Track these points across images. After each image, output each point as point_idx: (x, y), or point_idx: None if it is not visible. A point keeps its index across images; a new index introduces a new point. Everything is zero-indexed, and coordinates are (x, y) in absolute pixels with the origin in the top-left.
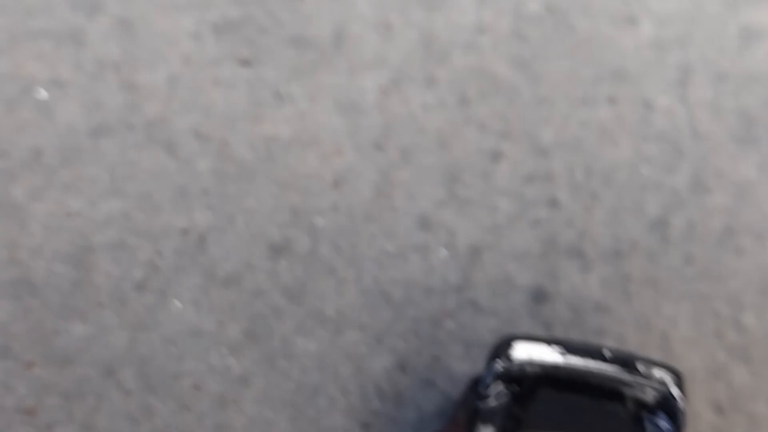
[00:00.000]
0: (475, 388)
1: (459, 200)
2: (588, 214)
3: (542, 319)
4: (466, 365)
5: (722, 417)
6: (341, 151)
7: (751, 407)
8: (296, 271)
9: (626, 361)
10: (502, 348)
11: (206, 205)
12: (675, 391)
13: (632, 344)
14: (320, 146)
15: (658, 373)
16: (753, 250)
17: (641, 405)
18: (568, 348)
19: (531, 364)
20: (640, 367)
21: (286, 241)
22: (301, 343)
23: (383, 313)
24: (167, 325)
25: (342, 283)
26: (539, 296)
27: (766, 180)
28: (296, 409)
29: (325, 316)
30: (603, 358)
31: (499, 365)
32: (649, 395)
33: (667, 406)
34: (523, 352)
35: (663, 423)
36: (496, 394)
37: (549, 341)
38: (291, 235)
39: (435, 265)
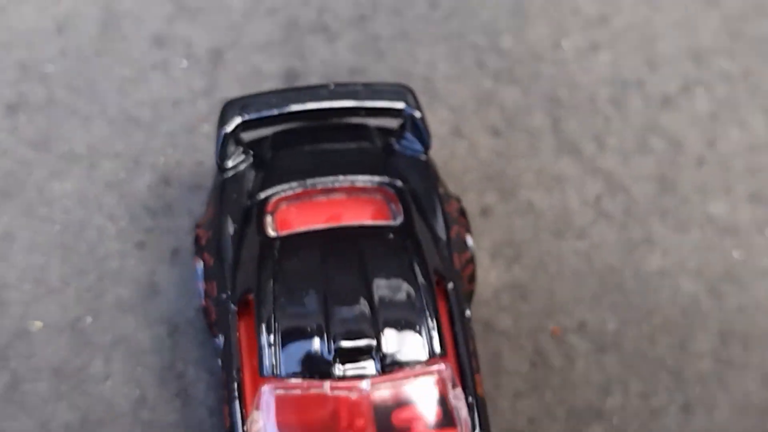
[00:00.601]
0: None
1: (190, 11)
2: None
3: None
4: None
5: (501, 138)
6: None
7: (527, 122)
8: (37, 122)
9: (356, 92)
10: (226, 114)
11: None
12: (409, 106)
13: None
14: (36, 0)
15: (391, 94)
16: None
17: (386, 132)
18: (294, 96)
19: (259, 120)
20: (372, 93)
21: (20, 97)
22: (57, 186)
23: (136, 136)
24: None
25: (87, 120)
26: (291, 76)
27: None
28: (66, 248)
29: (76, 155)
30: (331, 96)
31: (227, 129)
32: (391, 120)
33: (409, 125)
34: (249, 110)
35: (410, 143)
36: (235, 163)
37: (272, 93)
38: (24, 90)
39: (178, 77)
